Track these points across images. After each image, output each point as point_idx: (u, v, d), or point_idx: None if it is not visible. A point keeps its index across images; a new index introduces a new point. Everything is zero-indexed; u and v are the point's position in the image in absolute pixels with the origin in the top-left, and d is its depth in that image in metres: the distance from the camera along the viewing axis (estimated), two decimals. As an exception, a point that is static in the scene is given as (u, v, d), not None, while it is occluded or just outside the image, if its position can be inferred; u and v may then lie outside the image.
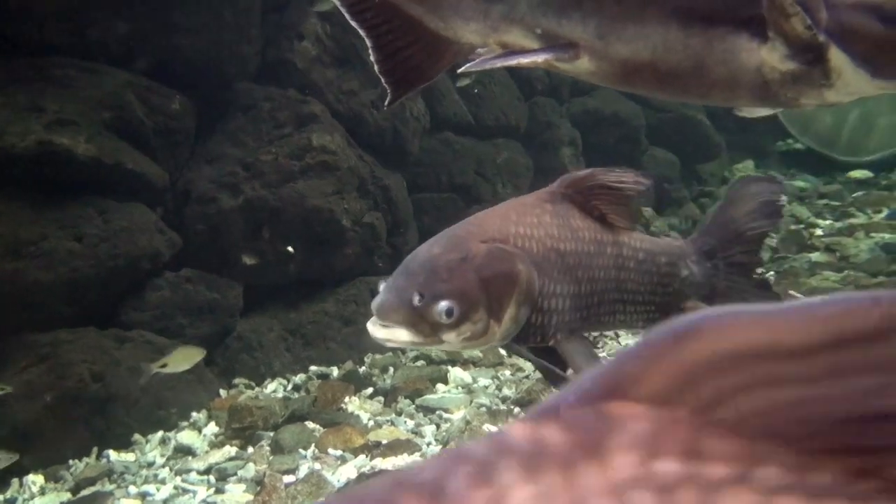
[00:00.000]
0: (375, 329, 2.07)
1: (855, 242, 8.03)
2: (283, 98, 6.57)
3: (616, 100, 11.37)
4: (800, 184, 11.73)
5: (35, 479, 4.40)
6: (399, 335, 2.05)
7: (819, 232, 9.31)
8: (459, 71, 2.13)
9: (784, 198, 2.74)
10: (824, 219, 10.16)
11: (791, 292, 6.54)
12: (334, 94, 7.00)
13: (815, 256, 8.06)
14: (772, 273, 7.81)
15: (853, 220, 9.46)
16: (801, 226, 9.82)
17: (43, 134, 4.87)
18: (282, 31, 6.90)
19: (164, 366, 4.72)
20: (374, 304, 2.11)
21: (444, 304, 2.04)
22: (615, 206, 2.44)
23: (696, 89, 1.91)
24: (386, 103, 2.20)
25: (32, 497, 4.24)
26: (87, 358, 4.86)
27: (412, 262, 2.17)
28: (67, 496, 4.25)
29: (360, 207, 6.66)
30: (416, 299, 2.04)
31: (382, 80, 2.14)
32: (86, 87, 5.30)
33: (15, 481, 4.38)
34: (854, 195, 10.73)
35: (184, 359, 4.89)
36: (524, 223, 2.30)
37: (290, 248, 5.95)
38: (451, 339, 2.09)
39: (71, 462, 4.64)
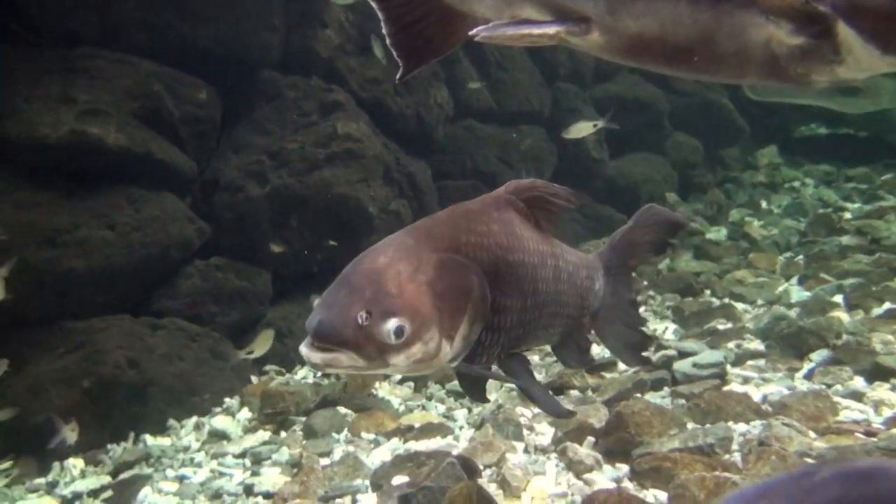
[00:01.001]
0: (310, 353, 1.80)
1: (886, 225, 7.90)
2: (308, 86, 6.59)
3: (638, 85, 11.27)
4: (825, 167, 11.58)
5: (75, 463, 4.48)
6: (339, 360, 1.79)
7: (848, 215, 9.17)
8: (471, 34, 2.07)
9: (675, 240, 2.86)
10: (853, 202, 10.01)
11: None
12: (358, 81, 7.01)
13: (846, 240, 7.93)
14: (801, 257, 7.73)
15: (883, 203, 9.30)
16: (829, 209, 9.69)
17: (75, 124, 4.93)
18: (305, 20, 6.91)
19: (250, 352, 5.08)
20: (310, 323, 1.82)
21: (393, 323, 1.79)
22: (550, 217, 2.36)
23: (706, 65, 1.89)
24: (398, 77, 2.12)
25: (73, 480, 4.31)
26: (121, 345, 4.93)
27: (354, 274, 1.90)
28: (107, 479, 4.32)
29: (386, 195, 6.67)
30: (361, 317, 1.79)
31: (394, 54, 2.08)
32: (114, 78, 5.35)
33: (56, 465, 4.47)
34: (883, 178, 10.56)
35: (264, 342, 5.24)
36: (475, 231, 2.10)
37: (332, 242, 5.99)
38: (398, 362, 1.84)
39: (109, 446, 4.72)
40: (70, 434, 4.23)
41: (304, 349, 1.83)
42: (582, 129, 4.62)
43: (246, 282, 6.01)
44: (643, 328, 2.83)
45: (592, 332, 2.73)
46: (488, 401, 2.61)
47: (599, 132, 10.42)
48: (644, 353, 2.83)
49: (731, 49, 1.79)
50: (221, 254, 5.97)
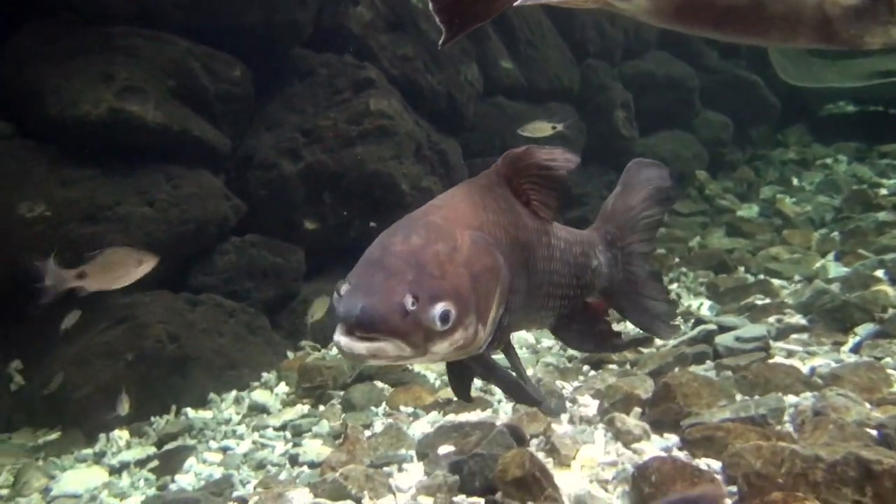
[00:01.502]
0: (352, 343, 1.65)
1: (923, 199, 7.75)
2: (340, 63, 6.58)
3: (668, 61, 11.11)
4: (855, 144, 11.36)
5: (121, 435, 4.57)
6: (385, 350, 1.65)
7: (884, 191, 9.02)
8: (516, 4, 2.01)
9: (671, 182, 2.59)
10: (888, 178, 9.83)
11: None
12: (389, 59, 6.98)
13: (882, 216, 7.80)
14: (836, 234, 7.62)
15: (920, 179, 9.15)
16: (864, 185, 9.53)
17: (114, 102, 4.97)
18: (336, -3, 6.89)
19: (311, 317, 5.44)
20: (348, 310, 1.66)
21: (440, 308, 1.67)
22: (546, 189, 2.19)
23: (755, 27, 1.82)
24: (440, 42, 2.08)
25: (120, 451, 4.40)
26: (162, 319, 5.00)
27: (389, 255, 1.74)
28: (152, 450, 4.40)
29: (418, 172, 6.66)
30: (408, 303, 1.65)
31: (437, 19, 2.03)
32: (151, 55, 5.38)
33: (102, 436, 4.56)
34: (919, 153, 10.36)
35: (320, 307, 5.46)
36: (490, 209, 1.99)
37: (372, 224, 6.02)
38: (440, 349, 1.72)
39: (152, 419, 4.80)
40: (122, 406, 4.31)
41: (343, 339, 1.65)
42: (539, 129, 4.49)
43: (280, 258, 6.05)
44: (667, 296, 2.67)
45: (611, 310, 2.57)
46: (472, 399, 2.53)
47: (629, 109, 10.32)
48: (673, 323, 2.70)
49: (781, 10, 1.74)
50: (256, 231, 6.02)
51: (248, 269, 5.84)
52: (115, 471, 4.19)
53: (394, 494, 2.68)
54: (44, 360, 4.76)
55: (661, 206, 2.59)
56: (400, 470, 3.11)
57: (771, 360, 3.58)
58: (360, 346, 1.65)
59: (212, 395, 5.10)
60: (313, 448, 3.99)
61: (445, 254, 1.76)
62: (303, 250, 6.22)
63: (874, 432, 2.43)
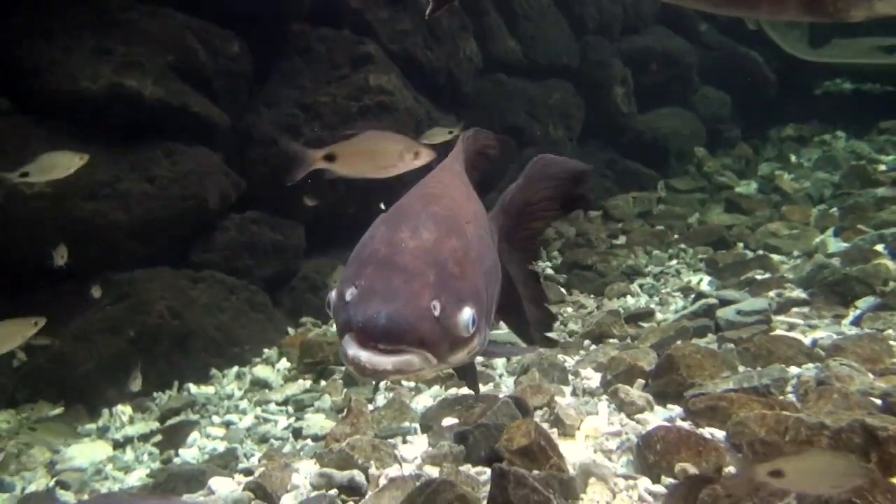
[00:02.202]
0: (373, 357, 1.43)
1: (923, 176, 7.74)
2: (339, 39, 6.52)
3: (667, 37, 11.04)
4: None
5: (124, 410, 4.58)
6: (412, 363, 1.44)
7: (882, 167, 9.00)
8: None
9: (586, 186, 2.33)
10: (887, 154, 9.82)
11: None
12: (387, 34, 6.92)
13: (882, 191, 7.79)
14: (835, 209, 7.63)
15: (919, 155, 9.14)
16: (863, 161, 9.51)
17: (113, 76, 4.93)
18: (334, -30, 6.81)
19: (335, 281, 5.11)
20: (367, 319, 1.43)
21: (468, 313, 1.48)
22: (477, 172, 2.12)
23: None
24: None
25: (123, 426, 4.42)
26: (164, 295, 5.00)
27: (400, 253, 1.54)
28: (156, 425, 4.42)
29: (418, 148, 6.63)
30: (435, 308, 1.45)
31: None
32: (148, 30, 5.31)
33: (105, 411, 4.57)
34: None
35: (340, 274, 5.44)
36: (473, 198, 1.89)
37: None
38: (458, 359, 1.55)
39: (155, 394, 4.82)
40: (135, 382, 4.32)
41: (363, 354, 1.43)
42: (437, 135, 4.47)
43: (280, 235, 6.04)
44: (545, 303, 2.48)
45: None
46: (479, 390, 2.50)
47: (628, 85, 10.27)
48: (548, 334, 2.50)
49: None
50: (256, 208, 6.00)
51: (248, 245, 5.83)
52: (119, 445, 4.21)
53: (400, 464, 2.70)
54: (46, 337, 4.75)
55: (558, 211, 2.38)
56: (404, 442, 3.13)
57: (773, 333, 3.59)
58: (386, 362, 1.39)
59: (213, 372, 5.11)
60: (316, 422, 4.01)
61: (461, 250, 1.58)
62: (303, 227, 6.21)
63: (878, 401, 2.45)
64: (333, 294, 1.57)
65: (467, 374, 2.39)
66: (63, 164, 3.89)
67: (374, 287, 1.49)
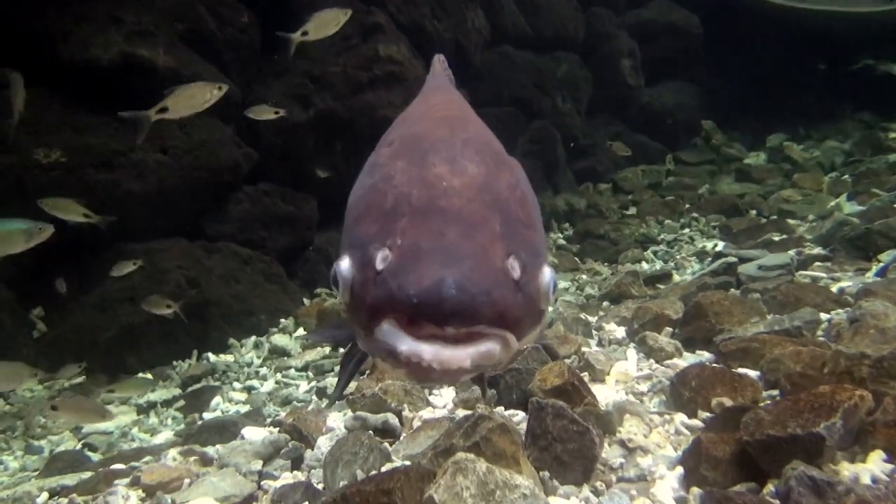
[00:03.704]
0: (446, 354, 0.96)
1: (936, 140, 7.70)
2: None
3: (672, 10, 10.95)
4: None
5: (145, 378, 4.58)
6: (492, 353, 0.99)
7: (893, 134, 8.96)
8: None
9: None
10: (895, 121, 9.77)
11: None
12: (395, 4, 6.88)
13: (894, 157, 7.78)
14: (847, 176, 7.59)
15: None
16: (872, 129, 9.46)
17: (125, 45, 4.90)
18: (340, -59, 6.75)
19: None
20: (422, 292, 0.96)
21: (549, 274, 1.09)
22: None
23: None
24: None
25: (145, 392, 4.42)
26: (181, 265, 5.00)
27: (443, 194, 1.10)
28: (177, 391, 4.43)
29: (428, 119, 6.60)
30: (514, 269, 1.04)
31: None
32: None
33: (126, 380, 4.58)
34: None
35: None
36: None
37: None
38: (530, 341, 1.15)
39: (175, 363, 4.82)
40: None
41: (417, 347, 0.96)
42: (262, 112, 4.51)
43: (293, 206, 6.03)
44: None
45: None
46: None
47: (635, 57, 10.20)
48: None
49: None
50: (268, 180, 5.98)
51: (261, 217, 5.83)
52: (143, 410, 4.22)
53: (432, 407, 2.69)
54: (66, 307, 4.76)
55: None
56: (431, 393, 3.12)
57: (799, 282, 3.58)
58: (462, 356, 0.95)
59: (231, 341, 5.12)
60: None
61: (520, 189, 1.20)
62: (315, 199, 6.19)
63: (915, 334, 2.44)
64: (345, 264, 1.08)
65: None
66: (200, 95, 4.08)
67: (420, 245, 1.01)
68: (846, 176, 7.68)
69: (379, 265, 1.03)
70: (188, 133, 5.30)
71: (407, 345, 0.97)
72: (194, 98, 3.94)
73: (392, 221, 1.08)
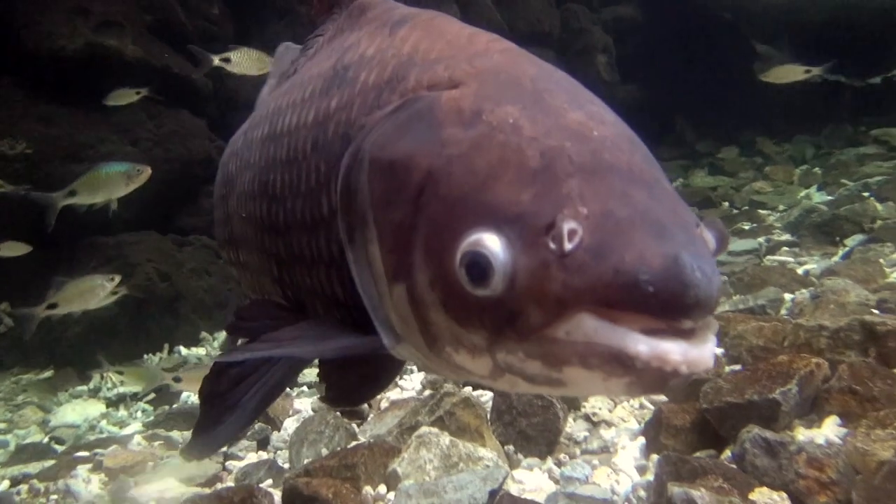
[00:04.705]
0: (692, 354, 0.77)
1: (902, 132, 7.84)
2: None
3: (647, 5, 11.04)
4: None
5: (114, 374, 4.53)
6: (712, 343, 0.82)
7: (862, 127, 9.11)
8: None
9: None
10: (867, 115, 9.91)
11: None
12: (369, -2, 6.86)
13: (864, 149, 7.91)
14: (818, 169, 7.70)
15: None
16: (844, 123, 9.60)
17: (91, 35, 4.84)
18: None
19: None
20: (661, 274, 0.76)
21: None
22: None
23: None
24: None
25: (115, 386, 4.37)
26: (151, 258, 4.94)
27: (602, 146, 0.87)
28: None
29: (403, 112, 6.60)
30: (710, 241, 0.85)
31: None
32: (126, -10, 5.24)
33: (96, 375, 4.51)
34: None
35: None
36: None
37: None
38: None
39: (146, 356, 4.77)
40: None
41: (663, 347, 0.75)
42: (122, 97, 4.54)
43: (267, 201, 5.99)
44: None
45: None
46: None
47: (610, 54, 10.27)
48: None
49: None
50: (241, 173, 5.94)
51: (234, 211, 5.78)
52: (112, 403, 4.17)
53: (401, 388, 2.69)
54: (34, 302, 4.68)
55: None
56: (401, 378, 3.12)
57: (766, 265, 3.62)
58: (707, 354, 0.78)
59: (203, 334, 5.07)
60: (311, 372, 3.99)
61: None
62: (289, 193, 6.16)
63: (876, 310, 2.48)
64: (493, 244, 0.82)
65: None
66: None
67: (617, 214, 0.79)
68: (817, 168, 7.79)
69: (566, 243, 0.78)
70: (159, 125, 5.25)
71: (646, 344, 0.75)
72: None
73: (554, 184, 0.83)
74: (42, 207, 4.03)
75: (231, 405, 1.29)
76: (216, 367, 1.31)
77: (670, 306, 0.75)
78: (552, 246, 0.79)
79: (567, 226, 0.79)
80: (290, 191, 1.27)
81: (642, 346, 0.75)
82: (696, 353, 0.76)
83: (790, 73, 5.98)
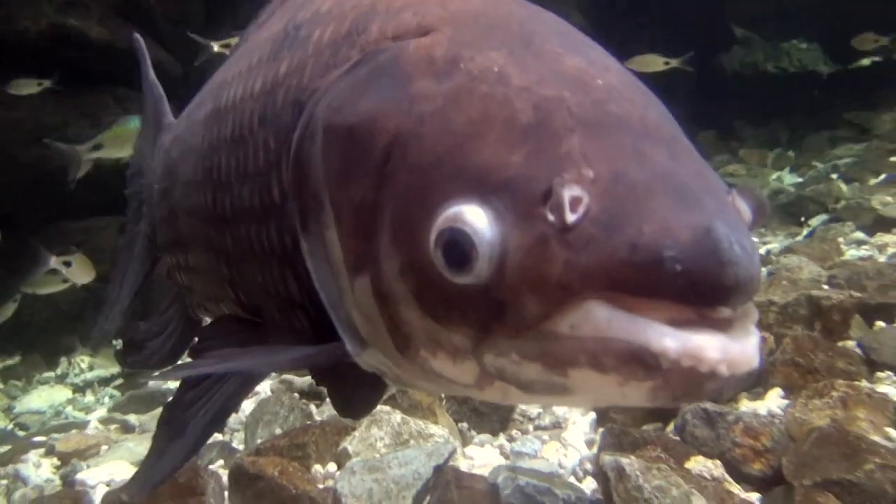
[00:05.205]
0: (733, 349, 0.60)
1: (876, 115, 7.91)
2: (292, -16, 6.40)
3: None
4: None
5: (83, 359, 4.50)
6: (756, 337, 0.66)
7: (837, 111, 9.18)
8: None
9: None
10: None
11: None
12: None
13: (837, 133, 7.98)
14: (791, 152, 7.77)
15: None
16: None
17: (55, 17, 4.76)
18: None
19: None
20: (691, 250, 0.59)
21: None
22: None
23: None
24: None
25: (83, 372, 4.34)
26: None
27: (607, 97, 0.72)
28: (116, 370, 4.35)
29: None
30: (744, 210, 0.69)
31: None
32: (91, -29, 5.15)
33: (63, 360, 4.49)
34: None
35: None
36: None
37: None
38: None
39: (115, 342, 4.73)
40: None
41: (696, 340, 0.60)
42: (23, 87, 4.48)
43: (239, 186, 5.95)
44: None
45: None
46: None
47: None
48: None
49: None
50: (212, 158, 5.89)
51: (205, 195, 5.74)
52: (79, 389, 4.15)
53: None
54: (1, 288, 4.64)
55: None
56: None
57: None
58: (751, 350, 0.63)
59: (174, 319, 5.04)
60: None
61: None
62: (261, 176, 6.12)
63: (826, 286, 2.51)
64: (477, 220, 0.67)
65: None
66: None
67: (630, 176, 0.65)
68: (790, 151, 7.86)
69: (568, 214, 0.63)
70: (126, 109, 5.18)
71: (674, 338, 0.60)
72: None
73: (551, 142, 0.67)
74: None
75: (176, 433, 1.13)
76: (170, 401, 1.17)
77: (703, 290, 0.59)
78: (551, 218, 0.64)
79: (569, 192, 0.63)
80: (236, 175, 1.09)
81: (669, 340, 0.59)
82: (738, 348, 0.61)
83: (651, 62, 6.10)
